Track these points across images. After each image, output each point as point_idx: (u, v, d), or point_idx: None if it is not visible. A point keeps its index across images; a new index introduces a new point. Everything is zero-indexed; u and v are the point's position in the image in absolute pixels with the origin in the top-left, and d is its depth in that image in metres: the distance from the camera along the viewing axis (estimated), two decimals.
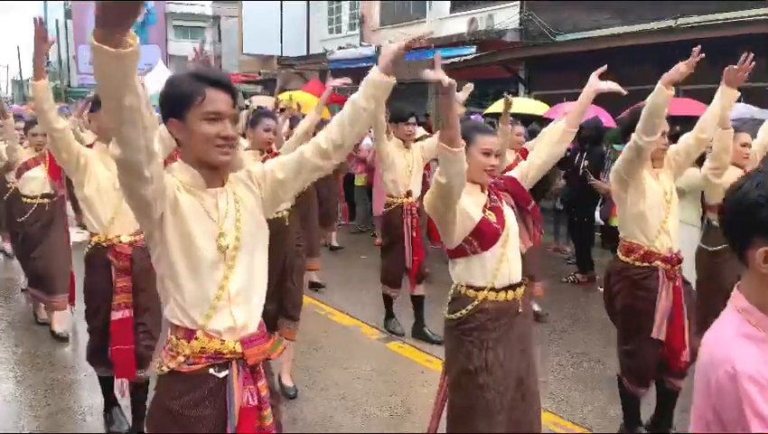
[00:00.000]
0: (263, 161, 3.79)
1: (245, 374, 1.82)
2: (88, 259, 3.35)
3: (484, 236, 2.49)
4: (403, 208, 4.84)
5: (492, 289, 2.51)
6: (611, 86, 2.88)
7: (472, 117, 7.89)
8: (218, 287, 1.78)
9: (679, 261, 3.20)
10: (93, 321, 3.39)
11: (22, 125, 5.64)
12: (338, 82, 4.39)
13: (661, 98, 2.93)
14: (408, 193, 4.87)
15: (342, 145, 1.88)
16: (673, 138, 3.44)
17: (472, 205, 2.50)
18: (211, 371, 1.78)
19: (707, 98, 7.38)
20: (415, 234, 4.87)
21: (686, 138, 3.35)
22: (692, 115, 6.16)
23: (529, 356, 2.64)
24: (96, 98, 3.49)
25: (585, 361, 4.70)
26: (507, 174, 2.81)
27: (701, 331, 1.48)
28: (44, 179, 5.01)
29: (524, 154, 5.50)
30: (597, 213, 6.84)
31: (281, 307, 3.96)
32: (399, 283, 5.03)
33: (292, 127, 6.47)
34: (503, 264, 2.53)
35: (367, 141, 8.54)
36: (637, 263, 3.19)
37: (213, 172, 1.82)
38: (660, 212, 3.16)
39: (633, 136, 2.99)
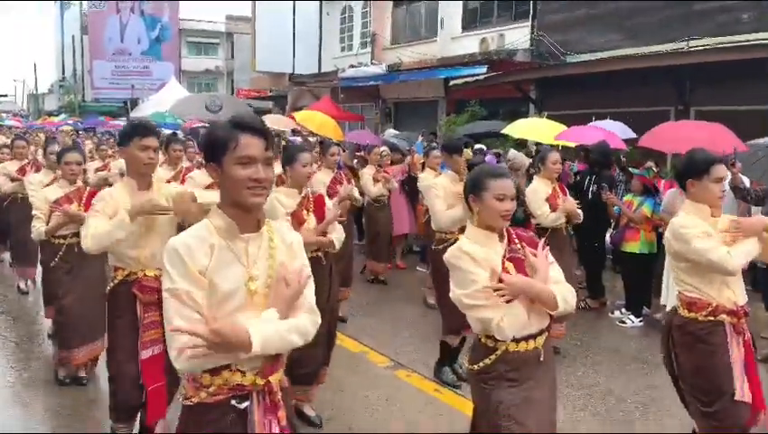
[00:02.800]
0: (302, 202, 3.79)
1: (265, 405, 1.91)
2: (112, 295, 3.19)
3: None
4: None
5: (513, 340, 2.43)
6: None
7: (486, 158, 7.72)
8: None
9: (746, 314, 3.03)
10: (116, 360, 3.15)
11: (57, 148, 5.10)
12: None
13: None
14: (463, 230, 4.59)
15: None
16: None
17: (489, 262, 2.43)
18: (233, 402, 1.87)
19: (719, 119, 7.35)
20: None
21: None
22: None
23: (550, 406, 2.56)
24: (122, 130, 3.35)
25: (596, 391, 4.62)
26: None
27: None
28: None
29: (561, 187, 5.31)
30: (608, 238, 6.76)
31: (322, 356, 3.92)
32: (462, 329, 4.43)
33: (323, 153, 6.46)
34: (524, 315, 2.44)
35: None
36: (700, 318, 3.00)
37: (247, 215, 1.91)
38: None
39: (722, 260, 2.85)
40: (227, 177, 1.85)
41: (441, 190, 4.58)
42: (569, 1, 12.59)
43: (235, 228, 1.89)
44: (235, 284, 1.87)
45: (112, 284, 3.19)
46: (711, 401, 3.00)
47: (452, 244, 4.44)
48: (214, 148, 1.86)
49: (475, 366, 2.50)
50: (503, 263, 2.45)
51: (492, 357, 2.44)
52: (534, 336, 2.47)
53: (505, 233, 2.54)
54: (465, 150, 8.32)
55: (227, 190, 1.89)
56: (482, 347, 2.49)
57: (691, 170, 3.05)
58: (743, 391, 2.91)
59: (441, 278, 4.69)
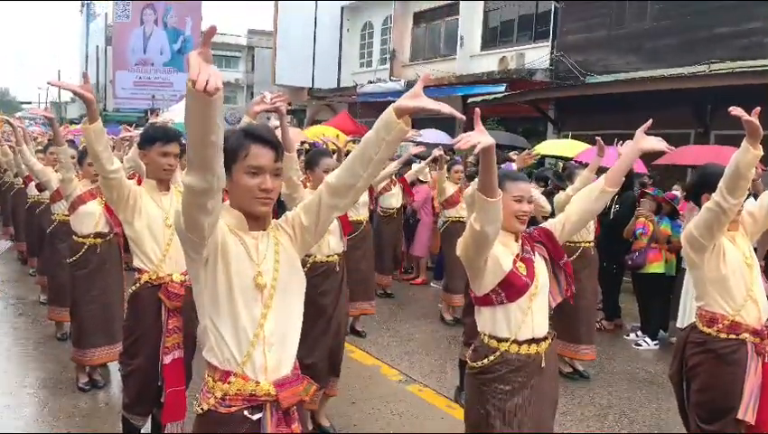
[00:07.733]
0: None
1: (278, 417, 1.86)
2: (136, 297, 3.15)
3: (512, 287, 2.46)
4: None
5: (515, 342, 2.47)
6: (657, 145, 2.70)
7: (503, 165, 7.80)
8: (255, 325, 1.83)
9: None
10: (134, 361, 3.14)
11: (72, 152, 4.97)
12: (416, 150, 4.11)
13: (749, 157, 2.67)
14: None
15: (355, 185, 1.88)
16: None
17: (503, 254, 2.48)
18: (246, 413, 1.83)
19: (739, 143, 7.28)
20: None
21: (763, 197, 3.10)
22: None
23: (547, 416, 2.56)
24: (145, 133, 3.34)
25: (609, 413, 4.57)
26: (542, 225, 2.75)
27: None
28: (99, 215, 4.49)
29: None
30: (629, 261, 6.68)
31: (330, 365, 3.88)
32: None
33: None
34: (528, 317, 2.49)
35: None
36: (722, 335, 2.90)
37: (256, 218, 1.90)
38: (744, 278, 2.92)
39: (715, 197, 2.74)
40: (235, 185, 1.84)
41: None
42: (589, 22, 12.63)
43: (245, 222, 1.89)
44: (245, 279, 1.84)
45: (135, 286, 3.16)
46: (712, 419, 2.94)
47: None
48: (225, 156, 1.77)
49: (476, 364, 2.52)
50: (515, 262, 2.49)
51: (492, 357, 2.47)
52: (537, 341, 2.50)
53: (520, 237, 2.58)
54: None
55: (235, 197, 1.89)
56: (484, 347, 2.53)
57: (707, 183, 2.96)
58: (745, 413, 2.85)
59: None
